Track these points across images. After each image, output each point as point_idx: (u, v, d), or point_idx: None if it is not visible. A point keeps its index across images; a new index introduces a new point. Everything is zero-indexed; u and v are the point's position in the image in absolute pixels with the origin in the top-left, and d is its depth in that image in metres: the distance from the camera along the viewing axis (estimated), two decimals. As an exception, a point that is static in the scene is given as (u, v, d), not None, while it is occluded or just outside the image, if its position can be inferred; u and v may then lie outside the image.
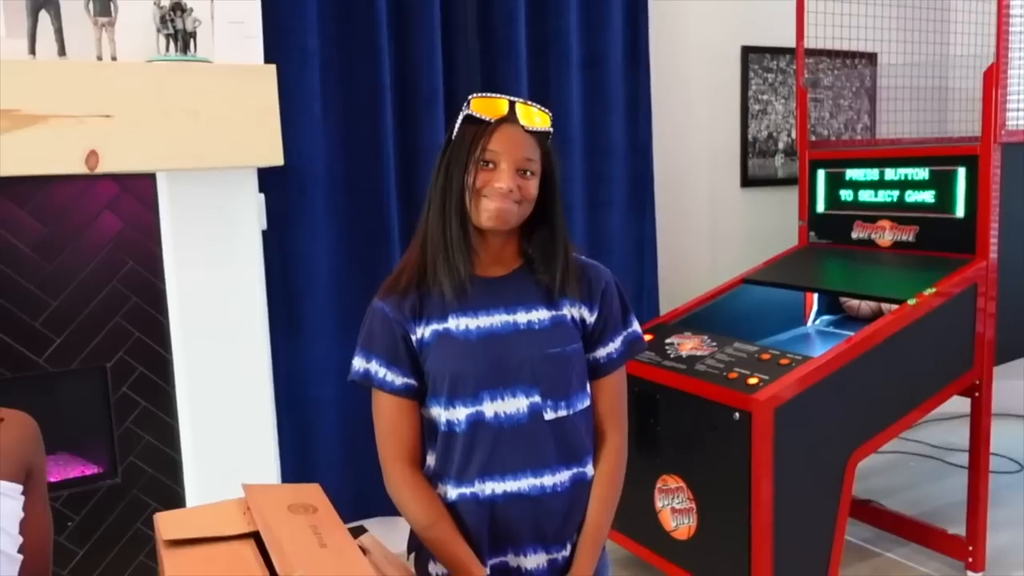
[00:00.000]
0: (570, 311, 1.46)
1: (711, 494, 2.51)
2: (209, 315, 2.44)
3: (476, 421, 1.40)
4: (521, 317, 1.42)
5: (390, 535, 2.01)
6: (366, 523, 2.85)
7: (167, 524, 1.32)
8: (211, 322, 2.44)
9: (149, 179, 2.38)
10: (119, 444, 2.42)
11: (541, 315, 1.43)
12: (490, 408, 1.40)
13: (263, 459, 2.54)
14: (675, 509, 2.62)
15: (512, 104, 1.39)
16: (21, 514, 1.23)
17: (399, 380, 1.42)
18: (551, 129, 1.43)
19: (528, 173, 1.38)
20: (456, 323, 1.41)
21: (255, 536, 1.29)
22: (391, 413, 1.44)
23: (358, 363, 1.45)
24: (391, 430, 1.44)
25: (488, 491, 1.41)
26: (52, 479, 2.34)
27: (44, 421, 1.37)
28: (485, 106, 1.39)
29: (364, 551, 1.51)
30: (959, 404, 2.90)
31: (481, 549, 1.42)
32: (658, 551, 2.72)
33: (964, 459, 3.33)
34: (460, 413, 1.40)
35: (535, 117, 1.40)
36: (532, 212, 1.42)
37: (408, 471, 1.44)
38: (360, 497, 2.89)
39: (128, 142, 2.11)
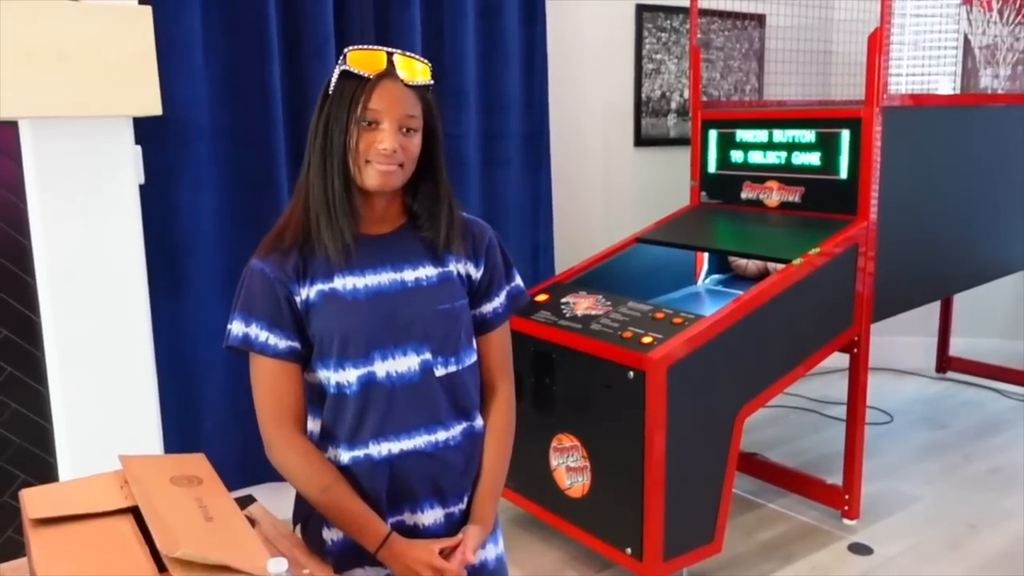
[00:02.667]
0: (456, 267, 1.44)
1: (605, 452, 2.54)
2: (81, 275, 2.28)
3: (368, 382, 1.36)
4: (408, 275, 1.39)
5: (280, 502, 1.95)
6: (255, 490, 2.76)
7: (34, 501, 1.22)
8: (84, 282, 2.28)
9: (11, 127, 2.19)
10: (-18, 413, 2.26)
11: (428, 272, 1.41)
12: (381, 368, 1.36)
13: (144, 427, 2.41)
14: (569, 467, 2.64)
15: (391, 57, 1.33)
16: None
17: (283, 343, 1.36)
18: (432, 82, 1.37)
19: (410, 131, 1.33)
20: (343, 283, 1.36)
21: (134, 511, 1.21)
22: (274, 378, 1.37)
23: (237, 327, 1.37)
24: (274, 396, 1.37)
25: (384, 451, 1.38)
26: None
27: None
28: (363, 60, 1.32)
29: (252, 522, 1.44)
30: (835, 359, 3.02)
31: (379, 510, 1.39)
32: (552, 509, 2.74)
33: (840, 411, 3.49)
34: (351, 374, 1.36)
35: (416, 70, 1.34)
36: (415, 168, 1.38)
37: (294, 437, 1.38)
38: (248, 464, 2.79)
39: (-16, 86, 1.93)
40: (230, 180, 2.83)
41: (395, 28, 3.05)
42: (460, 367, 1.43)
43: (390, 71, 1.32)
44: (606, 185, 4.03)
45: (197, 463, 1.39)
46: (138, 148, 2.39)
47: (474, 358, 1.47)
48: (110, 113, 2.17)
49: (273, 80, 2.81)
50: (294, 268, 1.36)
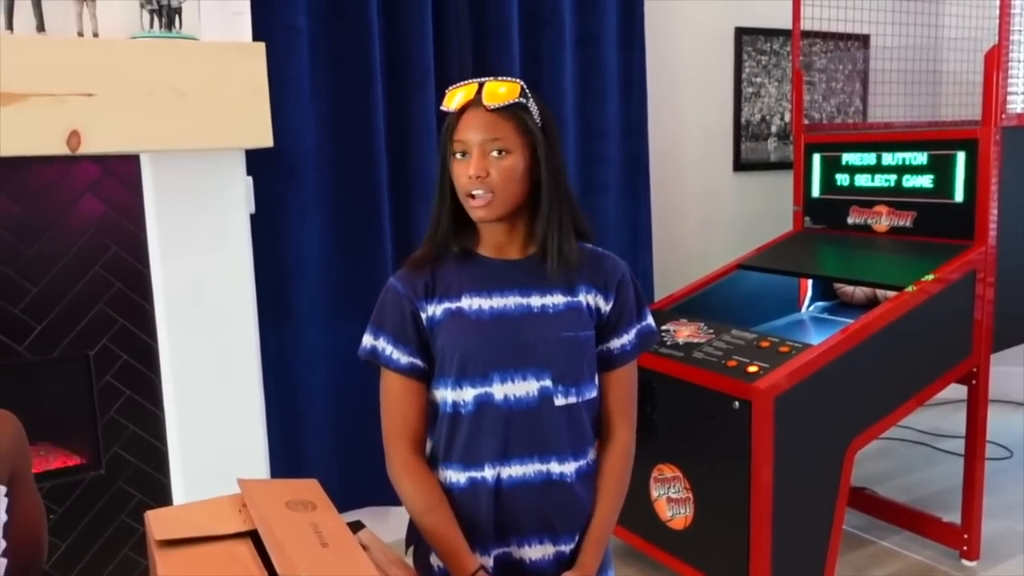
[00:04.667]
0: (586, 298, 1.43)
1: (708, 483, 2.48)
2: (196, 301, 2.37)
3: (484, 402, 1.37)
4: (535, 300, 1.40)
5: (382, 526, 1.96)
6: (358, 514, 2.80)
7: (159, 523, 1.25)
8: (198, 309, 2.37)
9: (133, 160, 2.30)
10: (103, 434, 2.35)
11: (556, 300, 1.40)
12: (500, 390, 1.37)
13: (252, 449, 2.48)
14: (671, 499, 2.59)
15: (482, 86, 1.35)
16: (4, 517, 1.16)
17: (404, 359, 1.39)
18: (520, 99, 1.35)
19: (502, 152, 1.33)
20: (469, 302, 1.38)
21: (252, 535, 1.23)
22: (397, 393, 1.41)
23: (367, 339, 1.43)
24: (395, 410, 1.41)
25: (494, 476, 1.38)
26: (34, 470, 2.26)
27: (25, 411, 1.31)
28: (453, 96, 1.37)
29: (363, 548, 1.46)
30: (950, 390, 2.88)
31: (485, 538, 1.39)
32: (653, 541, 2.68)
33: (955, 445, 3.33)
34: (468, 394, 1.37)
35: (499, 93, 1.34)
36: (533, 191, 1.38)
37: (409, 454, 1.41)
38: (351, 487, 2.84)
39: (111, 122, 2.03)
40: (335, 209, 2.90)
41: (493, 59, 3.09)
42: (580, 399, 1.41)
43: (476, 100, 1.34)
44: (705, 211, 3.97)
45: (311, 488, 1.41)
46: (249, 179, 2.47)
47: (594, 393, 1.45)
48: (225, 146, 2.26)
49: (376, 112, 2.87)
50: (424, 286, 1.40)
